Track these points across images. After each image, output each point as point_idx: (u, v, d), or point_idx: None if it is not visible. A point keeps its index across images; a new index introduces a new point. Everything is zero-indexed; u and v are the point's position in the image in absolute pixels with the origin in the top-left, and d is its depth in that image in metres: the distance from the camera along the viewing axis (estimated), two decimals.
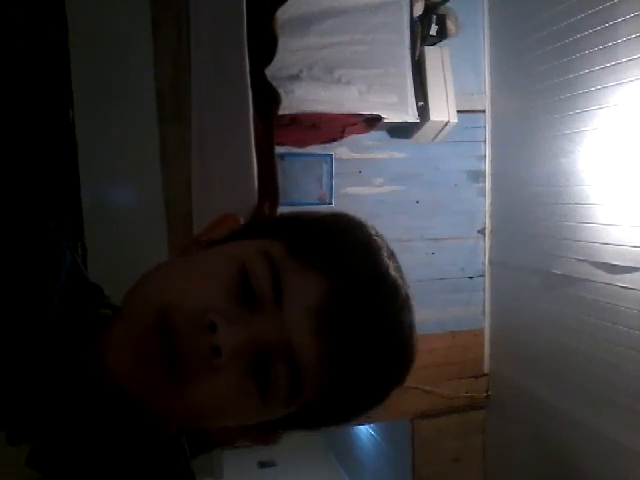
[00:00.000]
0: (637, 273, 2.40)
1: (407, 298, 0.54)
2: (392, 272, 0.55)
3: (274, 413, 0.51)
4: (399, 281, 0.55)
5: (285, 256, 0.49)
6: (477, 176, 3.47)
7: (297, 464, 5.34)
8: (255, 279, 0.48)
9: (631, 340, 2.45)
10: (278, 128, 2.03)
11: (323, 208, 3.16)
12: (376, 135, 3.22)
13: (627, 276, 2.45)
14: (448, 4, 3.05)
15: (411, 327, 0.53)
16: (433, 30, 3.05)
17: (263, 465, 5.34)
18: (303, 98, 2.75)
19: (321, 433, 4.80)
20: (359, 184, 3.25)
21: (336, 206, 3.17)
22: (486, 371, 3.57)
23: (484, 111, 3.43)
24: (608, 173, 2.54)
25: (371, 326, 0.49)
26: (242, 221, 0.59)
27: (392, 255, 0.59)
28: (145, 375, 0.46)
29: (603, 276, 2.59)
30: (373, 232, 0.60)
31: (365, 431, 4.72)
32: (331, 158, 3.13)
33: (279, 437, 0.58)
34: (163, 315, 0.46)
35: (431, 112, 3.00)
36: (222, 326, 0.46)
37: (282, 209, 1.89)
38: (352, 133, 3.03)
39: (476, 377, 3.57)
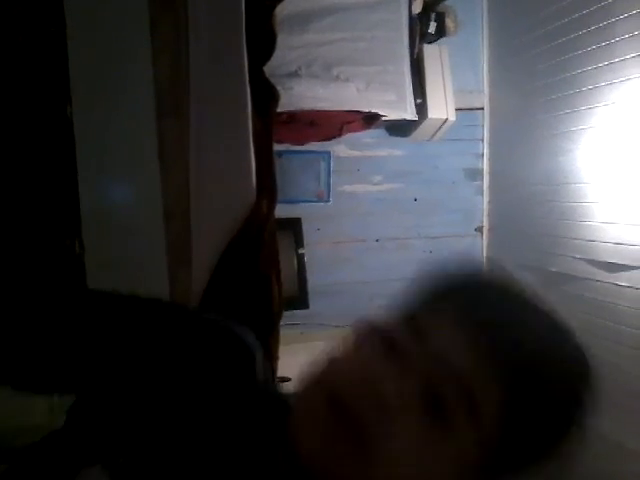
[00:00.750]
0: (634, 271, 2.40)
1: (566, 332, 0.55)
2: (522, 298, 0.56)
3: (463, 444, 0.49)
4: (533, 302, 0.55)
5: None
6: (475, 174, 3.47)
7: None
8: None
9: (629, 338, 2.45)
10: (276, 125, 2.02)
11: (321, 205, 3.16)
12: (374, 133, 3.22)
13: (625, 274, 2.46)
14: (447, 2, 3.05)
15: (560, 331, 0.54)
16: (432, 28, 3.05)
17: None
18: (302, 95, 2.75)
19: None
20: (357, 182, 3.25)
21: (334, 203, 3.17)
22: None
23: (482, 109, 3.43)
24: (606, 171, 2.55)
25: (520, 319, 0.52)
26: None
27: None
28: (331, 449, 0.48)
29: (600, 274, 2.60)
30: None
31: None
32: (329, 155, 3.13)
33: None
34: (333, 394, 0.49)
35: (429, 110, 3.00)
36: (385, 379, 0.48)
37: (280, 206, 1.89)
38: (350, 131, 3.03)
39: None
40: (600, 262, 2.59)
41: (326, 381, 0.50)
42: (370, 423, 0.46)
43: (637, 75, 2.33)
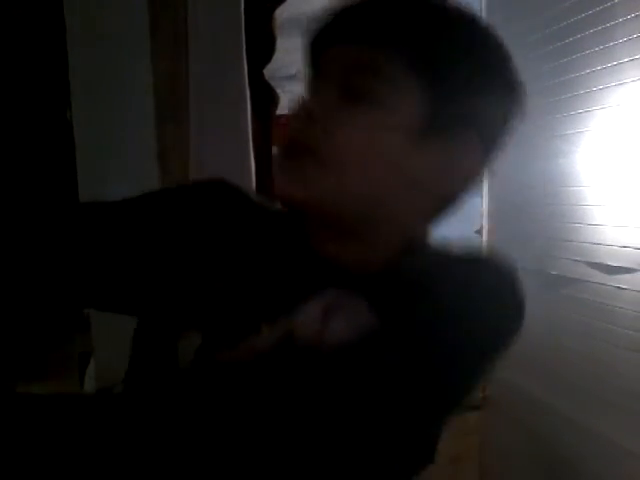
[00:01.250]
0: (635, 274, 2.40)
1: None
2: None
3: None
4: None
5: None
6: None
7: None
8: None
9: (627, 340, 2.45)
10: (276, 128, 2.03)
11: None
12: None
13: (625, 277, 2.46)
14: None
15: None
16: None
17: None
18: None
19: None
20: None
21: None
22: None
23: None
24: (605, 174, 2.55)
25: None
26: None
27: None
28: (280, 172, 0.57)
29: (601, 277, 2.60)
30: None
31: None
32: None
33: None
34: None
35: None
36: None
37: None
38: None
39: None
40: (600, 264, 2.59)
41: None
42: (310, 139, 0.54)
43: (635, 78, 2.34)
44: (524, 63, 2.98)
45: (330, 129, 0.53)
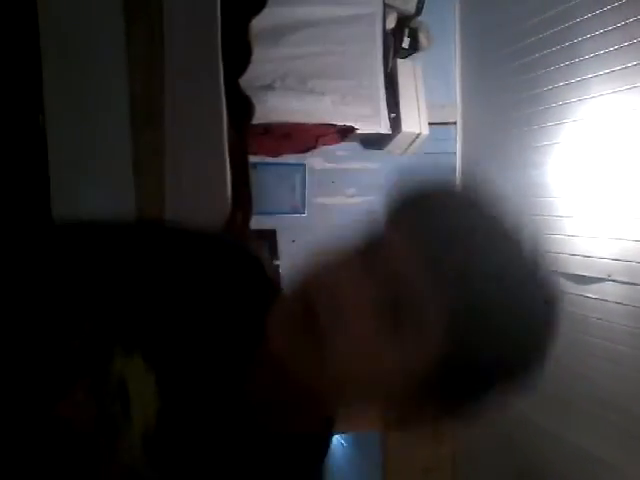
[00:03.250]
0: (602, 283, 2.45)
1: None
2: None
3: (408, 352, 0.52)
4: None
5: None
6: None
7: None
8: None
9: (600, 350, 2.49)
10: (251, 137, 2.03)
11: (296, 217, 3.16)
12: (349, 146, 3.24)
13: (593, 286, 2.50)
14: (420, 18, 3.10)
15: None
16: (405, 43, 3.09)
17: None
18: (276, 108, 2.76)
19: None
20: (332, 194, 3.27)
21: (309, 215, 3.18)
22: None
23: (455, 123, 3.48)
24: (576, 186, 2.60)
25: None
26: None
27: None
28: (292, 338, 0.54)
29: (570, 286, 2.64)
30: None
31: (335, 441, 4.71)
32: (304, 168, 3.15)
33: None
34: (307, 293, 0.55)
35: (403, 124, 3.04)
36: (346, 283, 0.54)
37: (255, 218, 1.89)
38: (325, 143, 3.05)
39: None
40: (569, 275, 2.63)
41: (303, 282, 0.57)
42: (327, 320, 0.51)
43: (605, 92, 2.40)
44: (497, 76, 3.03)
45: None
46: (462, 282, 0.49)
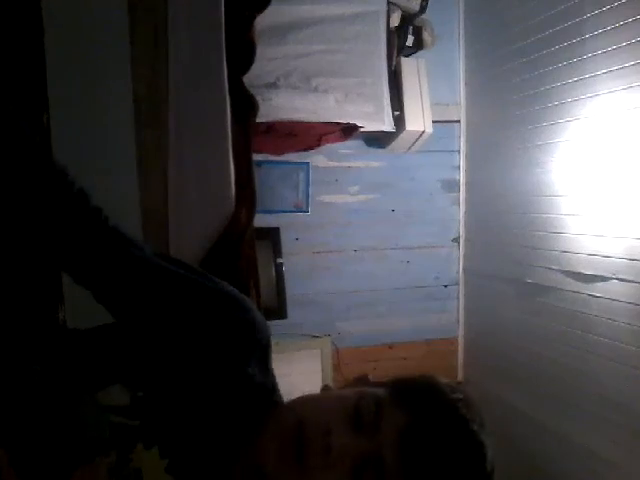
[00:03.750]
0: (607, 282, 2.44)
1: (476, 431, 0.68)
2: (463, 411, 0.69)
3: None
4: (467, 416, 0.69)
5: (387, 397, 0.70)
6: (451, 186, 3.51)
7: None
8: (365, 409, 0.67)
9: (603, 348, 2.49)
10: (255, 136, 2.03)
11: (299, 215, 3.16)
12: (352, 144, 3.24)
13: (598, 285, 2.50)
14: (424, 16, 3.09)
15: (479, 452, 0.68)
16: (409, 41, 3.08)
17: None
18: (280, 106, 2.76)
19: None
20: (335, 192, 3.27)
21: (312, 214, 3.18)
22: (460, 379, 3.60)
23: (459, 121, 3.48)
24: (580, 184, 2.59)
25: (440, 445, 0.65)
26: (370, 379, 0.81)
27: (469, 403, 0.72)
28: (281, 462, 0.66)
29: (575, 285, 2.64)
30: (453, 389, 0.73)
31: None
32: (308, 166, 3.14)
33: None
34: (301, 426, 0.66)
35: (407, 122, 3.03)
36: (335, 434, 0.65)
37: (258, 216, 1.89)
38: (329, 142, 3.04)
39: None
40: (574, 273, 2.63)
41: (304, 413, 0.68)
42: (313, 460, 0.64)
43: (607, 91, 2.39)
44: (500, 74, 3.02)
45: None
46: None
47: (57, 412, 0.67)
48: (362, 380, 0.79)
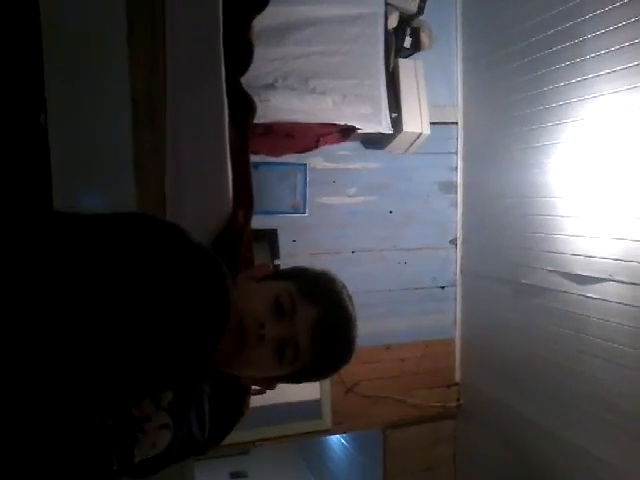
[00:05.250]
0: (605, 283, 2.45)
1: (354, 320, 1.01)
2: (349, 307, 1.01)
3: (284, 371, 0.96)
4: (352, 312, 1.01)
5: (297, 293, 0.96)
6: (449, 187, 3.51)
7: (269, 475, 5.30)
8: (284, 303, 0.95)
9: (599, 349, 2.49)
10: (253, 137, 2.03)
11: (297, 217, 3.16)
12: (350, 145, 3.24)
13: (595, 286, 2.51)
14: (422, 17, 3.09)
15: (354, 337, 1.01)
16: (407, 43, 3.09)
17: (235, 476, 5.29)
18: (278, 107, 2.76)
19: (294, 444, 4.78)
20: (333, 194, 3.27)
21: (310, 215, 3.18)
22: (457, 380, 3.60)
23: (456, 123, 3.49)
24: (577, 185, 2.60)
25: (336, 334, 0.98)
26: (271, 268, 1.12)
27: (350, 297, 1.03)
28: (227, 345, 0.84)
29: (572, 286, 2.64)
30: (341, 285, 1.04)
31: (337, 441, 4.71)
32: (305, 167, 3.14)
33: (276, 385, 1.05)
34: (241, 319, 0.91)
35: (404, 123, 3.04)
36: (267, 325, 0.92)
37: (256, 217, 1.89)
38: (326, 143, 3.05)
39: (447, 386, 3.60)
40: (571, 274, 2.63)
41: (243, 307, 0.91)
42: (249, 336, 0.91)
43: (605, 92, 2.40)
44: (498, 76, 3.03)
45: None
46: (324, 346, 0.97)
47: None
48: (270, 273, 1.06)
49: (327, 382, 3.26)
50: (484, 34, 3.25)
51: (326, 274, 1.05)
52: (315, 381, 1.09)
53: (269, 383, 1.04)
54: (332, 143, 3.08)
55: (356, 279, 3.33)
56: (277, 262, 2.99)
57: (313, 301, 0.95)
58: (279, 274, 1.06)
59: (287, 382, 1.02)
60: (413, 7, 3.03)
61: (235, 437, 1.42)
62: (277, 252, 3.03)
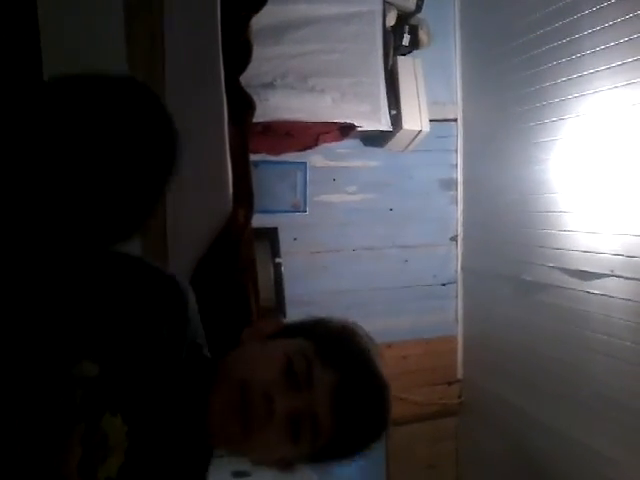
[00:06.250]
0: (606, 279, 2.45)
1: (386, 384, 0.83)
2: (378, 369, 0.83)
3: (302, 451, 0.79)
4: (381, 374, 0.83)
5: (314, 354, 0.79)
6: (449, 184, 3.51)
7: (271, 474, 5.29)
8: (298, 369, 0.77)
9: (600, 345, 2.49)
10: (252, 136, 2.03)
11: (297, 215, 3.16)
12: (350, 143, 3.24)
13: (597, 282, 2.50)
14: (420, 15, 3.09)
15: (387, 407, 0.83)
16: (405, 40, 3.09)
17: (237, 475, 5.29)
18: (277, 106, 2.76)
19: None
20: (333, 192, 3.27)
21: (310, 213, 3.18)
22: (459, 377, 3.60)
23: (456, 120, 3.48)
24: (577, 181, 2.60)
25: (364, 403, 0.79)
26: (282, 323, 0.92)
27: (378, 354, 0.86)
28: (228, 424, 0.76)
29: (573, 282, 2.64)
30: (367, 339, 0.88)
31: None
32: (305, 166, 3.14)
33: (294, 466, 0.86)
34: (244, 389, 0.75)
35: (404, 121, 3.03)
36: (277, 399, 0.75)
37: (256, 216, 1.89)
38: (326, 141, 3.04)
39: (449, 383, 3.60)
40: (572, 270, 2.63)
41: (244, 376, 0.77)
42: (258, 423, 0.75)
43: (605, 88, 2.39)
44: (497, 72, 3.03)
45: None
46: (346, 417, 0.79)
47: (37, 386, 0.69)
48: (281, 329, 0.89)
49: None
50: (483, 31, 3.25)
51: (348, 327, 0.88)
52: (343, 463, 0.87)
53: (285, 465, 0.85)
54: (332, 141, 3.08)
55: (357, 277, 3.35)
56: (278, 260, 2.99)
57: (334, 364, 0.78)
58: (291, 329, 0.88)
59: (309, 463, 0.86)
60: (411, 5, 3.03)
61: None
62: (278, 251, 3.02)
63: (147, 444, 0.77)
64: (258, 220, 2.09)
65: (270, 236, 3.02)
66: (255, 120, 1.97)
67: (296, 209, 3.15)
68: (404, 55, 3.14)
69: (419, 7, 3.03)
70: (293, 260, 3.12)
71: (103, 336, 0.74)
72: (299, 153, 3.09)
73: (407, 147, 3.24)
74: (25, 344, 0.68)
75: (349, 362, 0.80)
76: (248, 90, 1.83)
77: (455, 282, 3.55)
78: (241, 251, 1.71)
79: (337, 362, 0.79)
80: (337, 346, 0.82)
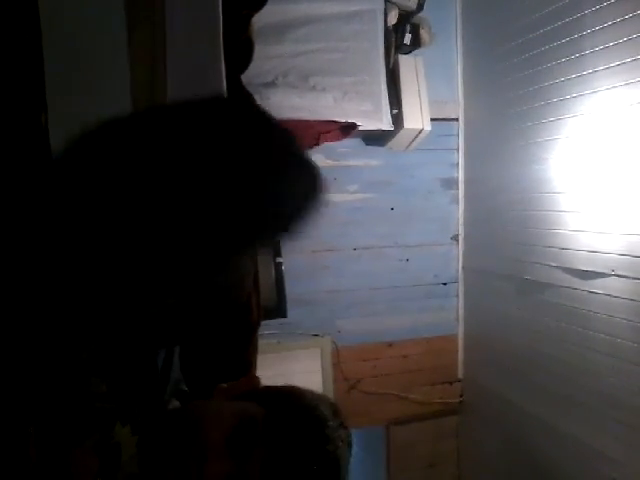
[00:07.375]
0: (608, 279, 2.45)
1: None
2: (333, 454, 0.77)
3: None
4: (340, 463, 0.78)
5: (264, 427, 0.75)
6: (450, 183, 3.51)
7: None
8: (243, 437, 0.73)
9: (601, 345, 2.49)
10: None
11: None
12: (351, 142, 3.24)
13: (597, 281, 2.50)
14: (421, 14, 3.09)
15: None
16: (407, 39, 3.08)
17: None
18: (278, 105, 2.75)
19: None
20: (334, 191, 3.27)
21: None
22: (460, 376, 3.61)
23: (457, 119, 3.48)
24: (578, 180, 2.60)
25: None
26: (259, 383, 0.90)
27: (349, 444, 0.82)
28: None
29: (574, 282, 2.64)
30: (334, 427, 0.80)
31: None
32: None
33: None
34: (187, 439, 0.74)
35: (405, 120, 3.03)
36: (211, 462, 0.71)
37: None
38: (327, 140, 3.04)
39: (450, 383, 3.60)
40: (573, 270, 2.63)
41: (193, 428, 0.75)
42: (189, 467, 0.71)
43: (605, 87, 2.39)
44: (498, 72, 3.02)
45: None
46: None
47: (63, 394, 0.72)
48: (254, 389, 0.87)
49: (329, 379, 3.26)
50: (484, 30, 3.25)
51: (316, 410, 0.80)
52: None
53: None
54: (333, 140, 3.08)
55: (358, 276, 3.36)
56: (279, 259, 2.99)
57: (276, 442, 0.75)
58: (257, 394, 0.84)
59: None
60: (412, 4, 3.02)
61: None
62: (279, 250, 3.02)
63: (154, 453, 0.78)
64: None
65: None
66: None
67: None
68: (405, 54, 3.13)
69: (421, 6, 3.02)
70: (294, 259, 3.12)
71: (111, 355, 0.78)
72: None
73: (408, 146, 3.24)
74: (46, 359, 0.70)
75: (294, 449, 0.75)
76: (249, 89, 1.82)
77: (456, 281, 3.55)
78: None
79: (281, 444, 0.75)
80: (288, 424, 0.78)
